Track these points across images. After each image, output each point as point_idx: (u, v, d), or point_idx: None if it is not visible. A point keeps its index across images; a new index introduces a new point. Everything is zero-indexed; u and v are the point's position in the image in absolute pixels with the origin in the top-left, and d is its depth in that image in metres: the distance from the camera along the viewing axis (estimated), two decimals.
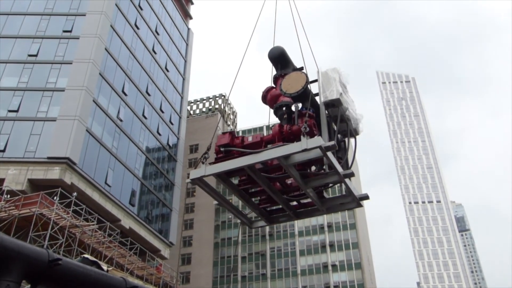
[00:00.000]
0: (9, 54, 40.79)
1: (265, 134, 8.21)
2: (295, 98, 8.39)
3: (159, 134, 51.29)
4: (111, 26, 44.03)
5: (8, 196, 27.80)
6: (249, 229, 73.06)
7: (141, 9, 51.70)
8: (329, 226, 70.12)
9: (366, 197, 8.65)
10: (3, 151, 35.14)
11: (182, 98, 59.98)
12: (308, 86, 8.48)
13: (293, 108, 8.38)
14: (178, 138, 56.45)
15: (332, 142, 7.14)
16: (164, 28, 57.34)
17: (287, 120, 8.22)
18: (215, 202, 8.98)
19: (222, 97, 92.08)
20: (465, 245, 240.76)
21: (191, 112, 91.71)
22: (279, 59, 9.07)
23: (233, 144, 8.04)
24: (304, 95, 8.36)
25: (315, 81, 8.76)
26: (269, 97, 8.82)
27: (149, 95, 49.99)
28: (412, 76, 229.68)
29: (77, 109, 36.89)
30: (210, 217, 75.66)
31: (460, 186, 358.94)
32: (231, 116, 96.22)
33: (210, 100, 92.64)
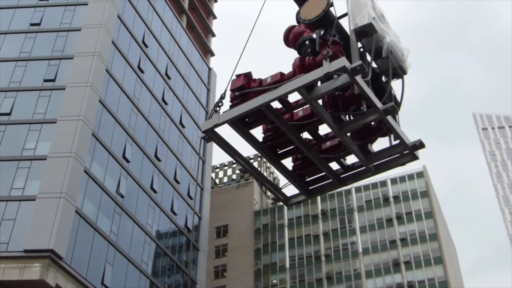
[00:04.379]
0: None
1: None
2: (316, 24, 9.36)
3: (174, 214, 51.58)
4: (106, 70, 45.65)
5: None
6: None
7: (146, 46, 53.60)
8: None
9: (421, 144, 9.33)
10: None
11: (204, 162, 60.58)
12: (333, 11, 9.49)
13: (313, 35, 9.29)
14: (200, 218, 56.58)
15: (359, 62, 7.96)
16: (177, 69, 59.00)
17: (312, 54, 9.13)
18: (239, 167, 9.33)
19: (258, 159, 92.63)
20: None
21: (217, 181, 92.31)
22: None
23: (249, 87, 9.09)
24: (327, 21, 9.35)
25: (345, 15, 9.72)
26: (291, 37, 9.75)
27: (159, 160, 50.79)
28: None
29: (63, 183, 37.66)
30: None
31: None
32: None
33: None
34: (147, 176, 48.43)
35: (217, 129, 9.07)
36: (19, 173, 39.26)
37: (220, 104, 9.23)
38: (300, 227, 78.55)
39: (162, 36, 57.48)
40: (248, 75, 9.30)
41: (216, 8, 76.58)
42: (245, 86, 9.15)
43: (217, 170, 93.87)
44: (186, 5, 66.46)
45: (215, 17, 75.01)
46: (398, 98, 9.85)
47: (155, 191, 48.96)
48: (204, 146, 61.67)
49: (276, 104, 9.19)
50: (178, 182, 53.48)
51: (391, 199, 77.06)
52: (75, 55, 45.09)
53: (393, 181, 79.17)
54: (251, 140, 9.52)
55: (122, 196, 44.06)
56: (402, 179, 78.84)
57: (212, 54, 71.50)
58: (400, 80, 9.92)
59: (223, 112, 9.08)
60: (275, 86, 8.68)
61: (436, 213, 76.40)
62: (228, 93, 9.39)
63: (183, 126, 57.28)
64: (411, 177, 78.85)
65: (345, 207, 78.56)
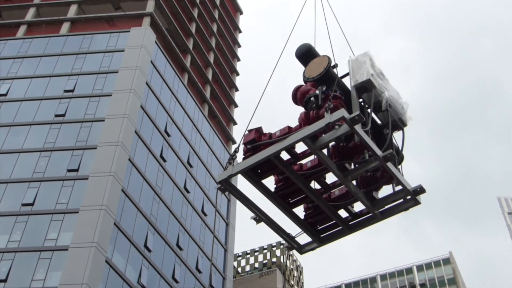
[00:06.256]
0: None
1: None
2: (318, 81, 10.59)
3: None
4: (129, 159, 45.99)
5: None
6: None
7: (169, 135, 54.15)
8: None
9: (421, 189, 10.09)
10: None
11: (226, 251, 59.86)
12: (335, 70, 10.77)
13: (317, 91, 10.42)
14: None
15: (357, 112, 9.04)
16: (198, 157, 59.33)
17: (316, 109, 10.27)
18: (253, 217, 10.91)
19: (281, 247, 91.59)
20: None
21: (240, 269, 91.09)
22: (307, 55, 11.36)
23: (260, 140, 10.17)
24: (329, 78, 10.58)
25: (347, 74, 10.89)
26: (299, 95, 10.90)
27: (181, 249, 50.29)
28: None
29: (84, 274, 37.23)
30: None
31: None
32: (295, 273, 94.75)
33: (265, 251, 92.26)
34: (168, 265, 47.85)
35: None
36: (40, 264, 38.98)
37: (234, 157, 10.35)
38: None
39: (184, 125, 58.16)
40: (259, 130, 10.34)
41: (237, 97, 77.82)
42: (256, 140, 10.19)
43: (240, 258, 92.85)
44: (208, 94, 67.65)
45: (236, 106, 76.05)
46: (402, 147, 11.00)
47: (176, 281, 48.22)
48: (227, 234, 61.15)
49: (286, 156, 10.26)
50: (200, 272, 52.75)
51: (418, 287, 75.18)
52: (98, 145, 45.62)
53: (419, 268, 77.63)
54: (264, 190, 10.44)
55: (143, 287, 43.39)
56: (429, 266, 77.25)
57: (234, 142, 71.94)
58: (399, 132, 10.97)
59: (237, 164, 10.13)
60: (282, 138, 9.75)
61: None
62: (242, 147, 10.37)
63: (205, 214, 57.03)
64: (437, 263, 77.26)
65: None
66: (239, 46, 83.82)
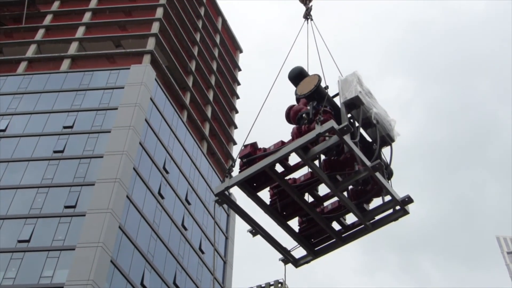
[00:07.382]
0: None
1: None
2: (309, 98, 11.25)
3: None
4: (127, 196, 45.74)
5: None
6: None
7: (167, 172, 53.98)
8: None
9: (409, 199, 10.64)
10: None
11: None
12: (326, 89, 11.40)
13: (308, 107, 11.03)
14: None
15: (346, 123, 9.74)
16: (197, 195, 59.05)
17: (308, 123, 10.84)
18: (249, 228, 11.51)
19: (279, 285, 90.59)
20: None
21: None
22: (299, 76, 11.97)
23: (255, 154, 10.75)
24: (319, 95, 11.21)
25: (337, 94, 11.43)
26: (292, 114, 11.52)
27: (177, 287, 49.75)
28: None
29: None
30: None
31: None
32: None
33: None
34: None
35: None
36: None
37: (231, 171, 11.16)
38: None
39: (182, 162, 58.02)
40: (254, 145, 11.00)
41: (236, 134, 77.89)
42: (252, 154, 10.81)
43: None
44: (206, 131, 67.71)
45: (235, 143, 76.03)
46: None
47: None
48: (224, 271, 60.54)
49: (280, 169, 10.77)
50: None
51: None
52: (96, 181, 45.43)
53: None
54: (260, 202, 10.92)
55: None
56: None
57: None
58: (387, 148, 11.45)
59: (233, 177, 10.77)
60: (276, 150, 10.31)
61: None
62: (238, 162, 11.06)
63: (202, 252, 56.52)
64: None
65: None
66: (239, 84, 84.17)
